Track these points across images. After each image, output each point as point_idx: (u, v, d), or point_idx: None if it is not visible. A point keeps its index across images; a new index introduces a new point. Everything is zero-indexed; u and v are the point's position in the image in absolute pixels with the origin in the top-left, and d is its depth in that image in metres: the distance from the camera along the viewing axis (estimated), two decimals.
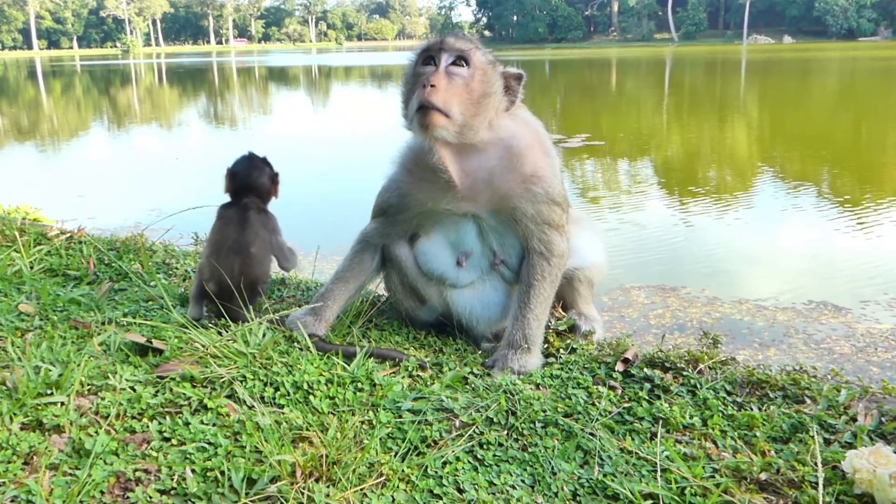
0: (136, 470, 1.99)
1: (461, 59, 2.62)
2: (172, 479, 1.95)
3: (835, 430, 2.26)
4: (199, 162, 14.03)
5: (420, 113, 2.56)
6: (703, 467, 2.03)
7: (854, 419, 2.30)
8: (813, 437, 2.20)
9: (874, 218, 8.39)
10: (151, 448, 2.09)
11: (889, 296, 5.87)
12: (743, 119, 18.88)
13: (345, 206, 8.84)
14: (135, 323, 2.91)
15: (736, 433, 2.24)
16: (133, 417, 2.24)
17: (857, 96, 24.26)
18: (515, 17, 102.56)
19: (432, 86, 2.54)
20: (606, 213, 9.00)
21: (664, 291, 6.06)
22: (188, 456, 2.05)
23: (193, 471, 1.98)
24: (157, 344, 2.64)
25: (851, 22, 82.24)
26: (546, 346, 2.82)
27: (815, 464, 2.00)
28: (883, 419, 2.29)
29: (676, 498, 1.91)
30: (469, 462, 2.06)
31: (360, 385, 2.44)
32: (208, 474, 1.97)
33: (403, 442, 2.12)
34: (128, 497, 1.89)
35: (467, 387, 2.49)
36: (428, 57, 2.63)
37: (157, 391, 2.37)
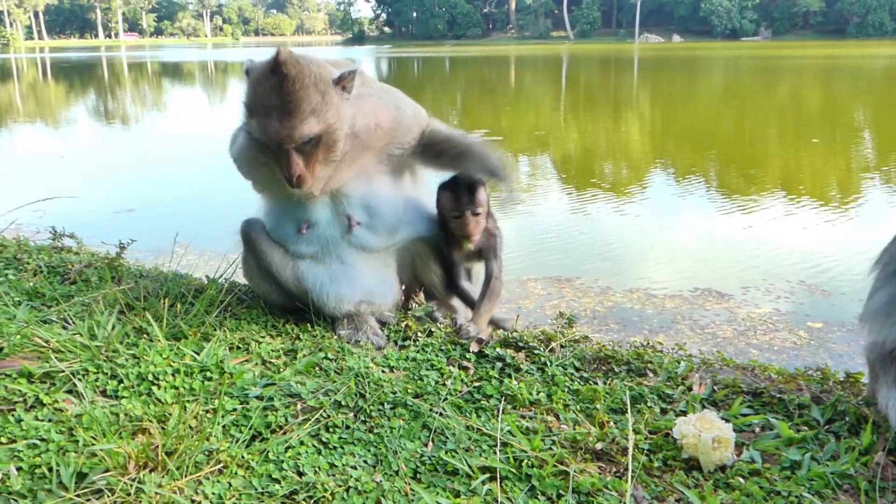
0: None
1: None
2: None
3: (671, 399, 2.36)
4: (86, 160, 13.46)
5: None
6: (543, 440, 2.09)
7: (690, 389, 2.41)
8: (651, 407, 2.30)
9: (756, 208, 8.85)
10: None
11: (767, 281, 6.19)
12: (636, 115, 19.53)
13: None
14: None
15: (578, 406, 2.31)
16: None
17: (740, 93, 25.45)
18: (415, 14, 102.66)
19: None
20: (504, 206, 9.13)
21: (559, 282, 6.20)
22: (17, 454, 1.96)
23: (20, 468, 1.90)
24: None
25: (735, 22, 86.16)
26: (404, 330, 2.83)
27: (647, 432, 2.09)
28: (715, 388, 2.42)
29: (514, 470, 1.96)
30: (313, 445, 2.05)
31: (209, 374, 2.38)
32: (36, 471, 1.89)
33: (247, 429, 2.09)
34: None
35: (320, 371, 2.47)
36: None
37: None
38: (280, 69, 2.44)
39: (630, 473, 1.85)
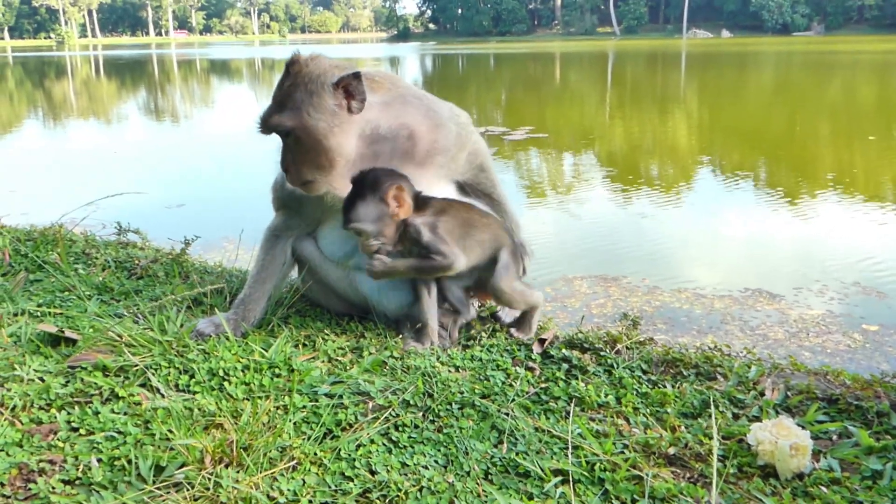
0: (40, 461, 1.94)
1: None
2: (78, 469, 1.90)
3: (743, 405, 2.32)
4: (139, 156, 13.71)
5: None
6: (614, 443, 2.06)
7: (762, 394, 2.36)
8: (722, 411, 2.26)
9: (807, 208, 8.63)
10: (58, 439, 2.04)
11: (820, 283, 6.02)
12: (684, 112, 19.22)
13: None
14: (49, 313, 2.83)
15: (648, 410, 2.28)
16: (40, 408, 2.18)
17: (792, 90, 24.89)
18: (460, 11, 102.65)
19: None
20: (550, 205, 9.08)
21: (606, 281, 6.12)
22: (96, 445, 2.00)
23: (100, 460, 1.94)
24: (69, 334, 2.57)
25: (786, 17, 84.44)
26: (469, 329, 2.82)
27: (721, 437, 2.05)
28: (789, 393, 2.36)
29: (586, 473, 1.94)
30: (383, 444, 2.06)
31: (277, 371, 2.41)
32: (115, 463, 1.93)
33: (318, 426, 2.11)
34: (29, 488, 1.84)
35: (386, 370, 2.48)
36: None
37: (68, 381, 2.32)
38: (287, 68, 2.59)
39: (715, 481, 1.82)
